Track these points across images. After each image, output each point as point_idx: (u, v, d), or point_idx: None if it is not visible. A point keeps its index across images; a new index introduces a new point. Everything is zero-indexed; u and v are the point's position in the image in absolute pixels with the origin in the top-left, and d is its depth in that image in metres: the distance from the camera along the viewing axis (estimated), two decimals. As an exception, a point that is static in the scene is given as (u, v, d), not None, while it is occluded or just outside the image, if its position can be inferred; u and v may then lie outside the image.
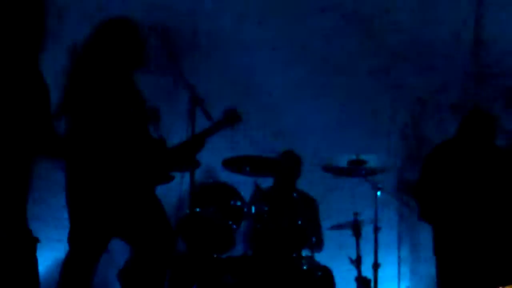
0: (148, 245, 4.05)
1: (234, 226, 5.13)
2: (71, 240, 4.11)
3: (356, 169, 5.55)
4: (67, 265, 4.08)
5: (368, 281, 5.54)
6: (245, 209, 5.22)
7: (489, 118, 4.91)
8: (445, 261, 4.77)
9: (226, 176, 5.62)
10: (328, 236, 6.01)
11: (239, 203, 5.19)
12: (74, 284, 4.03)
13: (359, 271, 5.59)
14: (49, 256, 5.86)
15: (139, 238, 4.08)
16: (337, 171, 5.74)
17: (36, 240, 3.34)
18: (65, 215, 5.50)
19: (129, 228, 4.07)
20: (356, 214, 5.61)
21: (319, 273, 5.33)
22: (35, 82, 3.33)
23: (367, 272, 5.64)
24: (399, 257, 6.31)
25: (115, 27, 4.00)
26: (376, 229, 5.63)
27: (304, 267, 5.26)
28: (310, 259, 5.38)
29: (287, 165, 5.83)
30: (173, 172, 4.31)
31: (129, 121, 4.00)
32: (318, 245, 5.82)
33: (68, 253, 4.09)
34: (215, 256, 5.10)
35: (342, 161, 5.60)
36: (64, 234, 5.05)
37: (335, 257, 5.84)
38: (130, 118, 3.99)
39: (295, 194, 5.87)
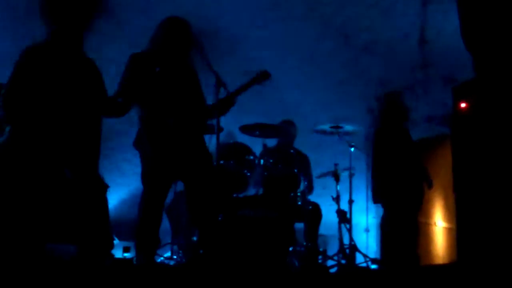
0: (200, 184, 4.40)
1: (248, 174, 5.79)
2: (142, 180, 4.45)
3: (335, 132, 6.31)
4: (141, 200, 4.42)
5: (345, 212, 6.31)
6: (256, 162, 5.86)
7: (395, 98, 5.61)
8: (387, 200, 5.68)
9: (242, 138, 6.18)
10: (316, 180, 6.68)
11: (251, 157, 5.87)
12: (146, 213, 4.40)
13: (339, 206, 6.37)
14: (115, 197, 6.64)
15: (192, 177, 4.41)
16: (323, 133, 6.38)
17: (107, 186, 4.02)
18: (126, 166, 6.56)
19: (186, 171, 4.42)
20: (336, 164, 6.43)
21: (310, 207, 6.08)
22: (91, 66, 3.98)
23: (344, 206, 6.39)
24: (367, 195, 6.85)
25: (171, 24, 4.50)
26: (351, 175, 6.45)
27: (299, 203, 5.95)
28: (303, 197, 6.03)
29: (286, 130, 6.48)
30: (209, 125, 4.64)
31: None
32: (310, 190, 6.50)
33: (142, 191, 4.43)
34: (234, 195, 5.70)
35: (326, 126, 6.31)
36: (125, 180, 6.42)
37: (321, 196, 6.53)
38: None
39: (292, 151, 6.44)
